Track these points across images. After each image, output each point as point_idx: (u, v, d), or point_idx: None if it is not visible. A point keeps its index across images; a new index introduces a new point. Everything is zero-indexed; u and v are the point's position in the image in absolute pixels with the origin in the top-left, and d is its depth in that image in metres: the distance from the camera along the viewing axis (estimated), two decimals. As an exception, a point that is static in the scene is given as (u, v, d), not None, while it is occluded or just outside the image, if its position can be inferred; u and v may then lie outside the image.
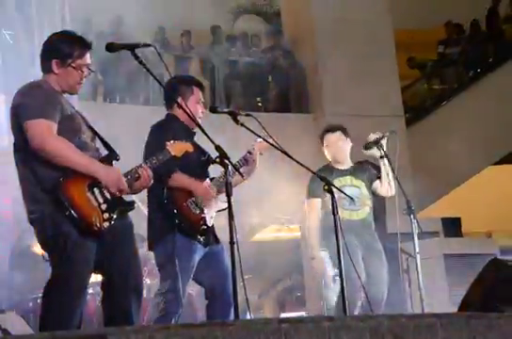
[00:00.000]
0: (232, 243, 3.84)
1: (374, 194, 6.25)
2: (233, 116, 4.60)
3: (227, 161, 4.06)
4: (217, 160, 4.10)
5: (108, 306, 4.04)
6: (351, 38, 11.87)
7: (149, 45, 4.28)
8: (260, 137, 4.88)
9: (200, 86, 5.19)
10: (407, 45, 13.68)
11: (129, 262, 4.06)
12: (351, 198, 5.47)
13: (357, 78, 11.58)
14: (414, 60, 14.25)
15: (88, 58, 4.13)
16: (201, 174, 5.01)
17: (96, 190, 3.94)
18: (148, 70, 4.10)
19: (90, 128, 4.19)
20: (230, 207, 3.96)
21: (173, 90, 4.98)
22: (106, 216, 3.91)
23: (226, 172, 4.07)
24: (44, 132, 3.86)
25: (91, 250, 3.92)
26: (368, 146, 5.99)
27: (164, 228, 4.83)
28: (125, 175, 4.09)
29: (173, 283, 4.71)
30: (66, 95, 4.19)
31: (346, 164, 6.21)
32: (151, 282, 6.46)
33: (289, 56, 12.91)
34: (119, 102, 11.25)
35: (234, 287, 3.77)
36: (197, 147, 4.95)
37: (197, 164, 4.98)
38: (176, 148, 4.47)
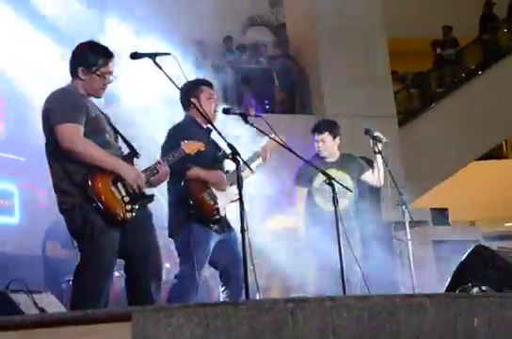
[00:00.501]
0: (243, 231, 3.84)
1: (365, 183, 6.23)
2: (244, 117, 4.60)
3: (238, 157, 4.07)
4: (230, 156, 4.10)
5: (131, 288, 4.05)
6: (349, 46, 11.89)
7: (168, 54, 4.28)
8: (267, 135, 4.89)
9: (207, 84, 5.15)
10: (400, 53, 13.64)
11: (149, 248, 4.08)
12: (349, 189, 5.42)
13: (354, 83, 11.61)
14: (396, 74, 14.12)
15: (111, 67, 4.13)
16: (217, 168, 5.01)
17: (119, 184, 3.96)
18: (167, 75, 4.10)
19: (113, 128, 4.19)
20: (241, 198, 3.96)
21: (186, 92, 4.98)
22: (129, 207, 3.94)
23: (238, 167, 4.07)
24: (73, 135, 3.88)
25: (115, 237, 3.94)
26: (368, 133, 5.95)
27: (181, 218, 4.83)
28: (145, 171, 4.12)
29: (191, 268, 4.71)
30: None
31: (333, 157, 6.13)
32: (170, 266, 6.45)
33: (294, 63, 12.89)
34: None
35: (245, 271, 3.77)
36: (212, 144, 4.94)
37: (212, 159, 4.98)
38: (189, 147, 4.48)
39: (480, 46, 13.52)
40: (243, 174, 4.76)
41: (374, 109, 11.38)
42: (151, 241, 4.11)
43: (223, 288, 4.91)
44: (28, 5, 7.21)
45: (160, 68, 4.06)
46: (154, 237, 4.15)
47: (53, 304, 5.02)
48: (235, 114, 4.75)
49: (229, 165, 4.94)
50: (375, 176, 6.11)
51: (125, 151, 4.23)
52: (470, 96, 12.60)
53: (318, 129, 6.13)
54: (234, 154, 4.05)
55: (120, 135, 4.21)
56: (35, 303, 4.86)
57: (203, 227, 4.81)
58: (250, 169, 4.61)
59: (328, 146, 6.08)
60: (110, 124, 4.19)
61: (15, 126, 7.02)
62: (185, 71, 4.17)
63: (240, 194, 3.97)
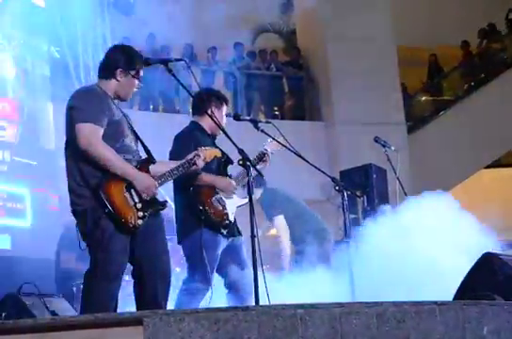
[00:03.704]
0: (253, 237, 3.83)
1: None
2: (254, 123, 4.60)
3: (249, 163, 4.07)
4: (240, 162, 4.10)
5: (139, 293, 4.03)
6: (359, 54, 11.90)
7: (180, 60, 4.29)
8: (274, 139, 4.90)
9: (227, 102, 5.18)
10: (409, 61, 13.64)
11: (159, 253, 4.05)
12: (358, 196, 5.43)
13: (363, 90, 11.61)
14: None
15: (141, 73, 4.12)
16: (222, 173, 5.01)
17: (133, 191, 3.93)
18: (179, 81, 4.11)
19: (134, 132, 4.16)
20: (251, 204, 3.96)
21: (205, 101, 4.99)
22: (141, 214, 3.91)
23: (248, 173, 4.06)
24: (91, 135, 3.85)
25: (126, 242, 3.91)
26: (378, 140, 5.95)
27: (191, 223, 4.83)
28: (182, 165, 4.17)
29: (203, 274, 4.71)
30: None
31: None
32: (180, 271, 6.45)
33: (303, 70, 12.91)
34: (152, 110, 11.27)
35: (255, 275, 3.75)
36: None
37: (217, 165, 4.98)
38: (208, 153, 4.46)
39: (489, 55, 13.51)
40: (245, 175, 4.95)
41: (383, 117, 11.38)
42: (160, 247, 4.08)
43: (230, 294, 4.90)
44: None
45: (173, 74, 4.07)
46: (165, 244, 4.12)
47: (64, 307, 5.04)
48: (246, 120, 4.75)
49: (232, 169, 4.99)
50: None
51: (144, 155, 4.22)
52: (479, 104, 12.57)
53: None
54: (245, 160, 4.05)
55: (140, 140, 4.18)
56: (46, 307, 4.88)
57: (213, 232, 4.81)
58: (261, 174, 4.59)
59: None
60: (131, 128, 4.16)
61: (28, 131, 7.03)
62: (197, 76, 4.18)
63: (250, 199, 3.97)
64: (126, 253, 3.94)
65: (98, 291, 3.85)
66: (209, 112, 4.79)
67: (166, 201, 4.12)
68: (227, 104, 5.17)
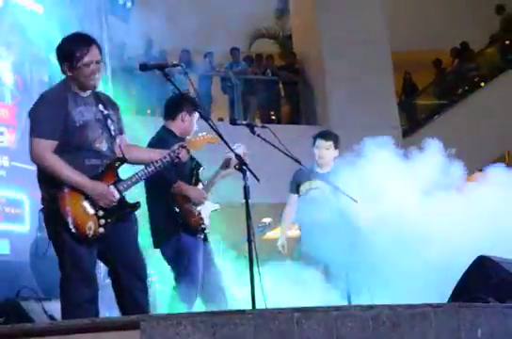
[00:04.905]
0: (249, 241, 3.83)
1: None
2: (251, 127, 4.60)
3: (245, 167, 4.07)
4: (237, 167, 4.10)
5: (119, 294, 3.96)
6: (354, 58, 11.92)
7: (177, 65, 4.28)
8: (274, 146, 4.89)
9: (200, 107, 5.09)
10: (403, 65, 13.68)
11: (131, 252, 3.98)
12: (354, 200, 5.39)
13: (359, 94, 11.63)
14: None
15: (94, 55, 3.93)
16: (192, 178, 5.05)
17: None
18: (175, 86, 4.10)
19: (109, 131, 4.03)
20: (247, 208, 3.96)
21: (178, 106, 5.06)
22: (102, 222, 3.84)
23: (244, 178, 4.07)
24: (39, 150, 3.84)
25: (89, 250, 3.85)
26: None
27: (169, 228, 4.87)
28: (164, 158, 4.07)
29: (190, 277, 4.74)
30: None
31: (326, 168, 6.00)
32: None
33: (299, 75, 12.92)
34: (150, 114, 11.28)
35: (252, 279, 3.75)
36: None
37: (189, 170, 5.01)
38: (198, 142, 4.43)
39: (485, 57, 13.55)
40: (215, 180, 5.11)
41: (377, 120, 11.39)
42: (133, 245, 4.01)
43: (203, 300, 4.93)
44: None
45: (169, 79, 4.06)
46: (137, 245, 4.04)
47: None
48: (242, 125, 4.75)
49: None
50: None
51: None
52: (473, 108, 12.59)
53: (324, 136, 6.10)
54: (241, 165, 4.06)
55: (114, 139, 4.06)
56: (44, 311, 4.87)
57: (192, 236, 4.86)
58: (257, 179, 4.59)
59: (329, 155, 6.02)
60: (105, 125, 4.01)
61: (26, 136, 7.01)
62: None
63: (247, 204, 3.97)
64: (93, 259, 3.89)
65: (73, 294, 3.81)
66: (180, 117, 4.92)
67: (137, 203, 4.04)
68: (200, 110, 5.18)
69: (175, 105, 5.11)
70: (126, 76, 9.90)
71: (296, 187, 6.02)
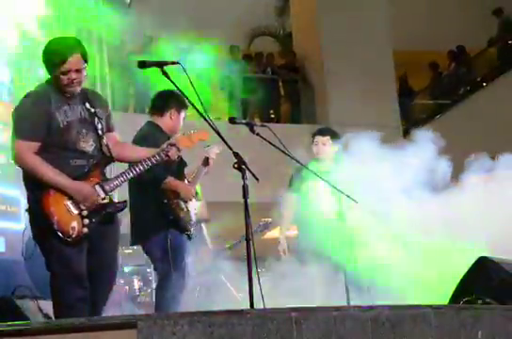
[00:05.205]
0: (247, 240, 3.82)
1: None
2: (250, 126, 4.59)
3: (244, 166, 4.05)
4: (235, 165, 4.09)
5: (91, 292, 3.95)
6: (354, 57, 11.91)
7: (176, 63, 4.27)
8: (273, 145, 4.88)
9: (187, 107, 5.14)
10: (404, 65, 13.67)
11: (104, 263, 4.01)
12: (354, 200, 5.38)
13: (359, 93, 11.61)
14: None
15: (74, 63, 3.91)
16: (179, 175, 5.05)
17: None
18: (174, 84, 4.09)
19: (96, 131, 4.03)
20: (246, 207, 3.94)
21: (167, 102, 5.09)
22: (86, 222, 3.85)
23: (243, 176, 4.05)
24: (21, 151, 3.86)
25: (76, 250, 3.86)
26: None
27: (158, 223, 4.86)
28: (153, 157, 4.10)
29: (180, 273, 4.76)
30: None
31: (326, 165, 5.94)
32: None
33: (299, 73, 12.91)
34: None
35: (250, 279, 3.73)
36: None
37: (176, 166, 5.01)
38: (187, 139, 4.41)
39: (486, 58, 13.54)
40: (198, 177, 5.17)
41: (377, 120, 11.37)
42: (108, 256, 4.05)
43: None
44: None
45: (168, 77, 4.04)
46: (114, 252, 4.10)
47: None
48: (242, 123, 4.74)
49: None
50: None
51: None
52: (473, 109, 12.58)
53: (321, 132, 6.13)
54: (240, 164, 4.04)
55: (101, 139, 4.06)
56: (40, 309, 4.86)
57: (180, 233, 4.87)
58: (256, 178, 4.58)
59: (327, 150, 6.04)
60: (90, 125, 4.02)
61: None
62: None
63: (246, 202, 3.95)
64: (81, 257, 3.88)
65: (65, 294, 3.82)
66: (169, 114, 4.96)
67: (124, 202, 4.06)
68: (186, 109, 5.19)
69: (164, 102, 5.13)
70: (125, 73, 9.90)
71: (294, 187, 6.01)
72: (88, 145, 3.99)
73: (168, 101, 5.09)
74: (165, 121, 5.09)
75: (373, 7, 12.50)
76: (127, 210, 4.67)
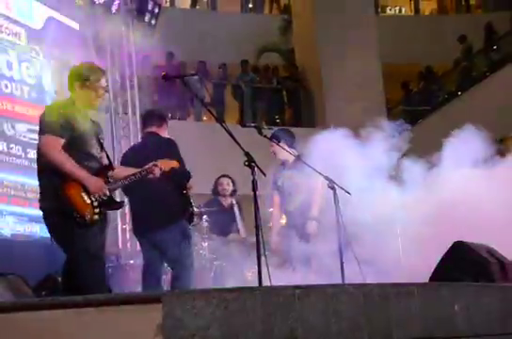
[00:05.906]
0: (257, 227, 3.83)
1: None
2: (259, 129, 4.59)
3: (254, 164, 4.05)
4: (246, 164, 4.08)
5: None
6: (348, 70, 11.96)
7: (195, 74, 4.28)
8: (279, 145, 4.88)
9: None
10: (392, 76, 13.64)
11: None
12: (348, 192, 5.29)
13: (352, 101, 11.67)
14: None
15: (103, 82, 4.05)
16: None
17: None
18: (193, 93, 4.10)
19: (99, 142, 4.13)
20: (255, 199, 3.95)
21: (162, 117, 5.14)
22: (97, 210, 3.92)
23: (253, 173, 4.05)
24: (48, 144, 3.88)
25: (91, 233, 3.89)
26: None
27: (180, 210, 4.82)
28: (139, 173, 4.14)
29: (190, 259, 4.73)
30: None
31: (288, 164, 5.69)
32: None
33: (301, 84, 12.94)
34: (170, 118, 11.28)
35: (259, 262, 3.73)
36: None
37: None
38: (166, 164, 4.36)
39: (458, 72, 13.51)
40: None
41: (368, 124, 11.35)
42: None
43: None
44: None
45: (189, 88, 4.06)
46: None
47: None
48: (251, 127, 4.74)
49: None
50: None
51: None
52: (452, 115, 12.52)
53: (270, 137, 5.47)
54: (250, 162, 4.03)
55: (104, 150, 4.18)
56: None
57: (188, 223, 4.87)
58: (264, 174, 4.57)
59: (276, 151, 5.66)
60: (98, 138, 4.12)
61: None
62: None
63: (255, 195, 3.95)
64: (97, 239, 3.91)
65: (87, 275, 3.80)
66: (164, 127, 4.99)
67: (122, 202, 4.17)
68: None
69: (159, 116, 5.13)
70: (150, 84, 9.90)
71: (275, 185, 5.71)
72: (97, 152, 4.08)
73: (162, 116, 5.15)
74: (163, 131, 5.08)
75: (365, 26, 12.53)
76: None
